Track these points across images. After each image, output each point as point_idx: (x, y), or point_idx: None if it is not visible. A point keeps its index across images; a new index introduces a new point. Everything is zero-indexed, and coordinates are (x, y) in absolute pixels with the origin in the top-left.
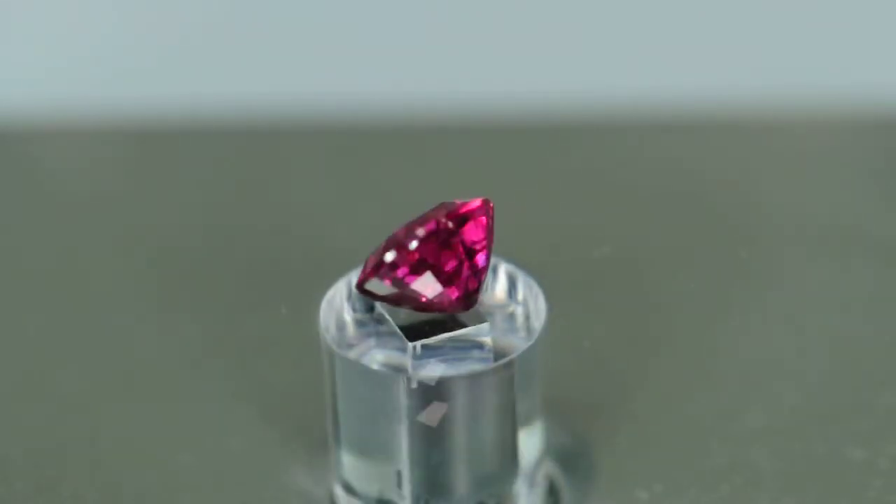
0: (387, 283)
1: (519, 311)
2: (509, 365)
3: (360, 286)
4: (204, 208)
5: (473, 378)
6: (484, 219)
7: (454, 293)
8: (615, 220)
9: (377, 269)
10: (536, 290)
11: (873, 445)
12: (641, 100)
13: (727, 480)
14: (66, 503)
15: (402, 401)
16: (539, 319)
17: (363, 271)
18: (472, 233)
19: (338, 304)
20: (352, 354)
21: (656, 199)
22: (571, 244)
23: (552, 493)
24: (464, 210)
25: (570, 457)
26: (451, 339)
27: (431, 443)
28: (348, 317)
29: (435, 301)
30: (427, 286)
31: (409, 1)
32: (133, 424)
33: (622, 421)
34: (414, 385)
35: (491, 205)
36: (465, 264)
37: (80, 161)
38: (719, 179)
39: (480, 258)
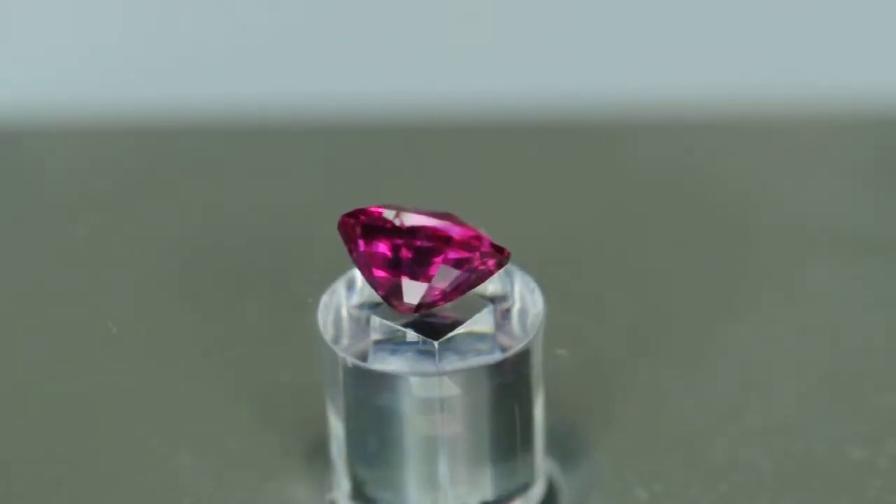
0: (360, 221)
1: (516, 308)
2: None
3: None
4: (204, 208)
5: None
6: (456, 262)
7: (382, 287)
8: (615, 220)
9: (363, 212)
10: (533, 286)
11: (873, 445)
12: (642, 100)
13: (727, 480)
14: (65, 503)
15: (339, 377)
16: (537, 317)
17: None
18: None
19: (336, 303)
20: (346, 350)
21: (656, 199)
22: (571, 244)
23: (552, 493)
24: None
25: (570, 457)
26: (395, 335)
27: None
28: (346, 315)
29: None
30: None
31: (409, 1)
32: (133, 424)
33: (622, 421)
34: (349, 364)
35: (488, 260)
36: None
37: (80, 161)
38: (719, 179)
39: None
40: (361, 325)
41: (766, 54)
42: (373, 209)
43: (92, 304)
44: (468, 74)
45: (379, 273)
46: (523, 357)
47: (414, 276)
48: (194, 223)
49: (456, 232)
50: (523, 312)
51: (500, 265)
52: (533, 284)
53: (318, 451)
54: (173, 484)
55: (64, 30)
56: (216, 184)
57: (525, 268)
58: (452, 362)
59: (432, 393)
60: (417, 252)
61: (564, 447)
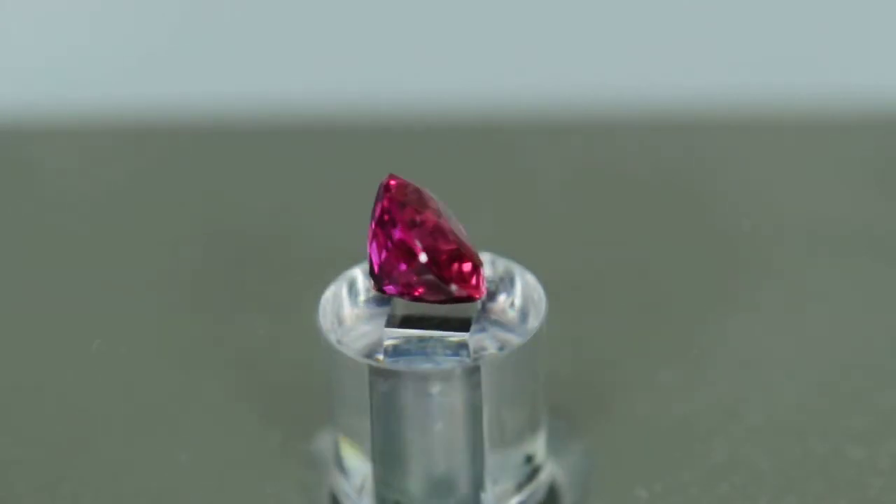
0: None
1: (517, 306)
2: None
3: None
4: (203, 208)
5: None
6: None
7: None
8: (615, 220)
9: (408, 188)
10: (535, 284)
11: (873, 444)
12: (641, 100)
13: (727, 480)
14: (65, 503)
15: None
16: (538, 315)
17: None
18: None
19: (336, 302)
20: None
21: (656, 199)
22: (571, 244)
23: (552, 493)
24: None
25: (570, 457)
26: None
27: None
28: (347, 313)
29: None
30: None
31: (409, 1)
32: (133, 424)
33: (622, 421)
34: (325, 339)
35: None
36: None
37: (80, 161)
38: (720, 179)
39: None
40: (360, 320)
41: (766, 54)
42: (419, 191)
43: (91, 303)
44: (468, 74)
45: (370, 233)
46: (524, 353)
47: (377, 252)
48: (193, 222)
49: (422, 245)
50: (523, 313)
51: (452, 298)
52: (535, 282)
53: (318, 451)
54: (173, 484)
55: (63, 29)
56: (216, 183)
57: (525, 268)
58: (403, 361)
59: (363, 381)
60: (383, 236)
61: (564, 447)
